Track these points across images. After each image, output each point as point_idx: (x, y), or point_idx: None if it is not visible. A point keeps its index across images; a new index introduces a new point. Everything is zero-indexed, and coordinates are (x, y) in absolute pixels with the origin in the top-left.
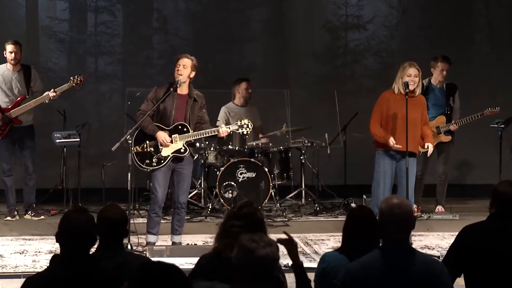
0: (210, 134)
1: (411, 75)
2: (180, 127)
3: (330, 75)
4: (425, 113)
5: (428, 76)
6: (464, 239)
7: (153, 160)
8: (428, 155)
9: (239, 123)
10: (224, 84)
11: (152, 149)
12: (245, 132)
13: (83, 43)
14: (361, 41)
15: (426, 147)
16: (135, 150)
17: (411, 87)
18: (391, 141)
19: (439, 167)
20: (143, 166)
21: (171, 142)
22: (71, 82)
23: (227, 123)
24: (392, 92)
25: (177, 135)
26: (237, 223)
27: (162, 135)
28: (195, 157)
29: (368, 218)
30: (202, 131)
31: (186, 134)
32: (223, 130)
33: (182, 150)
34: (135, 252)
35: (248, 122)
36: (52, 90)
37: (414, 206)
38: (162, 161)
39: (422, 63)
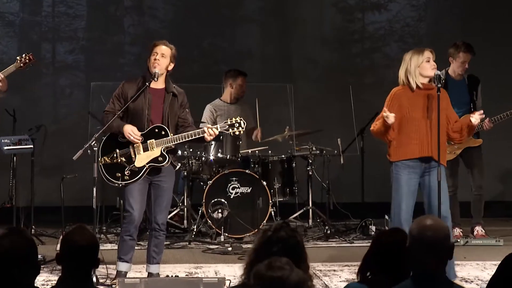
0: (193, 137)
1: (429, 59)
2: (156, 130)
3: (344, 66)
4: (451, 109)
5: (445, 67)
6: (509, 269)
7: (126, 173)
8: (477, 123)
9: (229, 121)
10: (212, 77)
11: (123, 159)
12: (237, 133)
13: (38, 26)
14: (382, 24)
15: (474, 120)
16: (103, 162)
17: (434, 72)
18: (384, 111)
19: (474, 180)
20: (114, 180)
21: (143, 142)
22: (18, 62)
23: (215, 124)
24: (407, 88)
25: (153, 140)
26: (274, 250)
27: (128, 129)
28: (177, 167)
29: (402, 245)
30: (184, 134)
31: (164, 139)
32: (209, 131)
33: (160, 159)
34: (101, 287)
35: (240, 120)
36: None
37: (459, 230)
38: (137, 174)
39: None
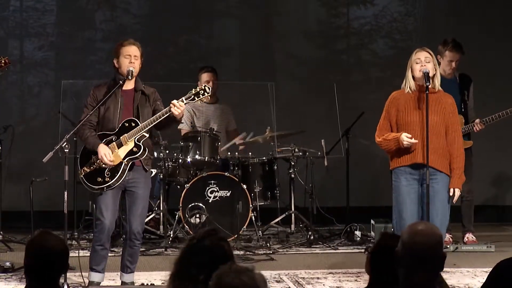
0: (162, 118)
1: (420, 61)
2: (126, 124)
3: (328, 63)
4: (454, 117)
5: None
6: (501, 277)
7: (106, 175)
8: (454, 201)
9: (193, 91)
10: (189, 75)
11: (101, 161)
12: (204, 100)
13: (5, 22)
14: (368, 19)
15: (451, 193)
16: (83, 173)
17: (422, 71)
18: (405, 135)
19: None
20: (96, 186)
21: (116, 139)
22: None
23: (193, 125)
24: (403, 91)
25: (125, 135)
26: (197, 260)
27: (102, 151)
28: (153, 173)
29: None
30: (152, 118)
31: (135, 129)
32: (176, 104)
33: (135, 149)
34: None
35: (205, 86)
36: None
37: (448, 236)
38: (117, 172)
39: None
